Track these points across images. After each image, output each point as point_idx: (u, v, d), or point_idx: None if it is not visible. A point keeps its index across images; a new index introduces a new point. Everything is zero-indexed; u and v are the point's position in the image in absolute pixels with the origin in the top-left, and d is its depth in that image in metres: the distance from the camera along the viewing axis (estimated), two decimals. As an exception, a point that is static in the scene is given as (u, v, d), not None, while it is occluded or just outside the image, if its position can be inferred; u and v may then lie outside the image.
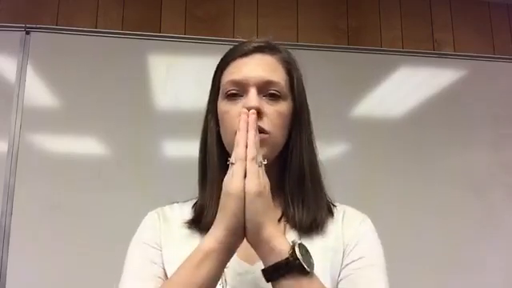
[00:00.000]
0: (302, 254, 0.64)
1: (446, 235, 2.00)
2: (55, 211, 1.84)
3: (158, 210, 0.86)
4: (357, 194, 1.84)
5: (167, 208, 0.86)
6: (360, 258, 0.76)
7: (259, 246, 0.67)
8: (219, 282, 0.74)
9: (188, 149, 1.92)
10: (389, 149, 2.08)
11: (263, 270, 0.66)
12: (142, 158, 1.94)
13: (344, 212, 0.83)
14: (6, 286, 1.76)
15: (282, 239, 0.66)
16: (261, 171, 0.67)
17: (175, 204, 0.87)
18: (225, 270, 0.75)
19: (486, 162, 2.13)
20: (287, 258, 0.64)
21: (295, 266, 0.63)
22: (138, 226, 0.84)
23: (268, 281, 0.66)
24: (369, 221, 0.83)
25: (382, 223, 0.84)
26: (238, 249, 0.77)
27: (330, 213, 0.82)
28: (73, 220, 1.83)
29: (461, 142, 2.13)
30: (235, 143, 0.69)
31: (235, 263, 0.76)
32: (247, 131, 0.69)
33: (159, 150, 1.99)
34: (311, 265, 0.65)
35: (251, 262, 0.76)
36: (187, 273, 0.67)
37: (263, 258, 0.67)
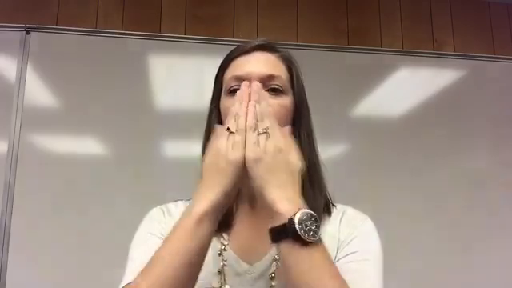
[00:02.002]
0: (302, 222, 0.62)
1: (445, 235, 2.00)
2: (55, 211, 1.84)
3: (162, 206, 0.85)
4: (356, 194, 1.83)
5: (171, 205, 0.86)
6: (353, 253, 0.74)
7: (267, 208, 0.67)
8: (217, 280, 0.74)
9: (188, 149, 1.93)
10: (389, 149, 2.08)
11: (269, 230, 0.66)
12: (142, 158, 1.94)
13: (344, 212, 0.83)
14: (6, 285, 1.76)
15: (286, 203, 0.64)
16: (263, 138, 0.68)
17: (179, 201, 0.87)
18: (224, 269, 0.75)
19: (486, 162, 2.13)
20: (284, 224, 0.63)
21: (291, 232, 0.62)
22: (138, 225, 0.83)
23: (272, 241, 0.66)
24: (370, 221, 0.82)
25: (381, 223, 0.83)
26: (238, 248, 0.77)
27: (328, 212, 0.82)
28: (73, 220, 1.84)
29: (461, 142, 2.13)
30: (234, 113, 0.71)
31: (234, 263, 0.76)
32: (247, 102, 0.72)
33: (159, 150, 1.99)
34: (313, 233, 0.63)
35: (250, 262, 0.76)
36: (182, 238, 0.66)
37: (271, 220, 0.66)
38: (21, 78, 1.94)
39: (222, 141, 0.70)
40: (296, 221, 0.62)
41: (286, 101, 0.79)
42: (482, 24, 2.39)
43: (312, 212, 0.64)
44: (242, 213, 0.81)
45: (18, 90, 1.93)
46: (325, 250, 0.65)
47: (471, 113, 2.17)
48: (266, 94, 0.76)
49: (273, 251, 0.77)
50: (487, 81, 2.23)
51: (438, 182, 2.07)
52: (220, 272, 0.76)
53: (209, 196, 0.67)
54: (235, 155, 0.67)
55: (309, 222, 0.63)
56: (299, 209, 0.63)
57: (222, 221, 0.78)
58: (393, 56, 2.22)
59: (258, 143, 0.68)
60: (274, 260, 0.76)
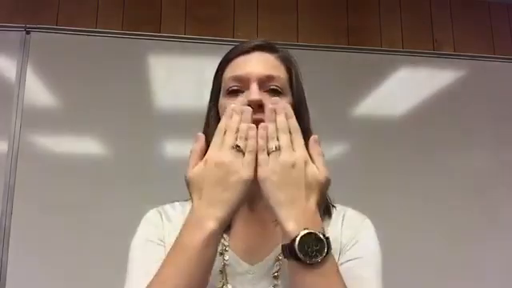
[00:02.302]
0: (304, 243, 0.62)
1: (446, 235, 2.00)
2: (55, 211, 1.84)
3: (159, 208, 0.85)
4: (356, 195, 1.82)
5: (168, 206, 0.86)
6: (356, 259, 0.75)
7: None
8: (219, 280, 0.75)
9: (188, 149, 1.92)
10: (389, 149, 2.08)
11: (282, 246, 0.67)
12: (142, 158, 1.94)
13: (344, 214, 0.83)
14: (6, 285, 1.76)
15: (291, 223, 0.64)
16: (274, 156, 0.68)
17: (176, 203, 0.86)
18: (226, 268, 0.76)
19: (486, 162, 2.13)
20: (286, 244, 0.64)
21: (293, 253, 0.63)
22: (138, 225, 0.83)
23: (284, 257, 0.67)
24: (369, 222, 0.82)
25: (381, 223, 0.83)
26: (238, 249, 0.77)
27: (328, 214, 0.82)
28: (73, 220, 1.83)
29: (461, 142, 2.13)
30: (234, 128, 0.70)
31: (236, 263, 0.77)
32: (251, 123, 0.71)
33: (159, 149, 1.99)
34: (316, 254, 0.63)
35: (252, 263, 0.77)
36: (188, 260, 0.65)
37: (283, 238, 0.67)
38: (21, 78, 1.94)
39: (226, 155, 0.68)
40: (297, 243, 0.62)
41: (285, 102, 0.78)
42: (482, 24, 2.39)
43: (317, 232, 0.63)
44: (241, 212, 0.80)
45: (18, 90, 1.93)
46: (330, 270, 0.65)
47: (471, 113, 2.17)
48: (278, 100, 0.74)
49: (275, 251, 0.77)
50: (487, 81, 2.23)
51: (438, 182, 2.06)
52: (222, 272, 0.76)
53: (217, 214, 0.66)
54: (248, 174, 0.67)
55: (312, 243, 0.63)
56: (304, 229, 0.63)
57: None
58: (393, 56, 2.22)
59: (267, 162, 0.68)
60: (277, 260, 0.76)
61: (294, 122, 0.71)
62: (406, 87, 2.19)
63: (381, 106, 2.15)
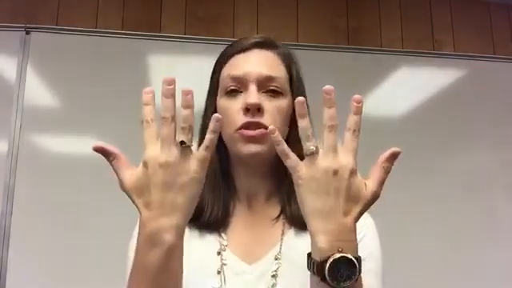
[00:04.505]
0: (335, 267, 0.57)
1: (445, 235, 2.00)
2: (55, 211, 1.84)
3: None
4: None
5: None
6: None
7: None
8: (217, 281, 0.74)
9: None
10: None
11: (307, 254, 0.61)
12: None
13: None
14: (6, 285, 1.76)
15: (324, 240, 0.58)
16: (311, 159, 0.62)
17: None
18: (224, 268, 0.75)
19: (486, 162, 2.13)
20: (315, 261, 0.59)
21: (320, 273, 0.57)
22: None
23: (307, 266, 0.62)
24: (371, 221, 0.81)
25: (380, 223, 0.83)
26: (237, 248, 0.76)
27: None
28: (73, 220, 1.83)
29: (461, 142, 2.13)
30: (185, 122, 0.63)
31: (234, 263, 0.76)
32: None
33: (159, 149, 1.99)
34: (346, 278, 0.57)
35: (250, 263, 0.76)
36: (155, 275, 0.60)
37: (311, 245, 0.61)
38: (21, 78, 1.94)
39: (172, 153, 0.62)
40: (327, 265, 0.56)
41: (284, 102, 0.78)
42: (482, 24, 2.39)
43: (351, 256, 0.57)
44: (239, 211, 0.80)
45: (18, 90, 1.93)
46: None
47: (471, 113, 2.17)
48: (332, 89, 0.67)
49: (273, 250, 0.76)
50: (487, 81, 2.23)
51: (438, 182, 2.06)
52: (219, 272, 0.75)
53: (173, 222, 0.59)
54: (201, 174, 0.60)
55: (344, 268, 0.57)
56: (338, 251, 0.57)
57: (220, 220, 0.78)
58: (393, 56, 2.22)
59: (305, 164, 0.61)
60: (276, 258, 0.75)
61: (356, 118, 0.64)
62: (405, 87, 2.19)
63: (381, 106, 2.15)
